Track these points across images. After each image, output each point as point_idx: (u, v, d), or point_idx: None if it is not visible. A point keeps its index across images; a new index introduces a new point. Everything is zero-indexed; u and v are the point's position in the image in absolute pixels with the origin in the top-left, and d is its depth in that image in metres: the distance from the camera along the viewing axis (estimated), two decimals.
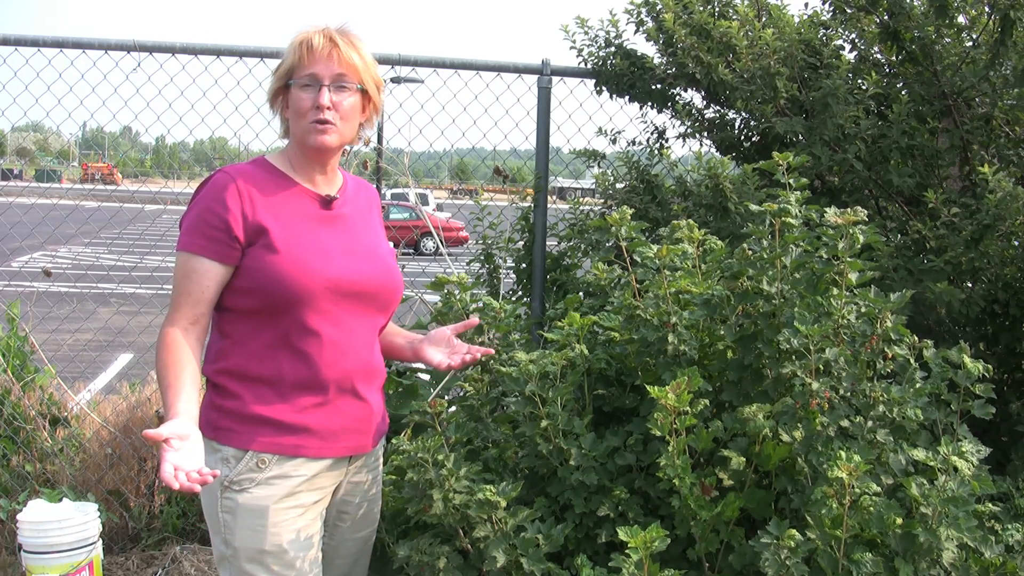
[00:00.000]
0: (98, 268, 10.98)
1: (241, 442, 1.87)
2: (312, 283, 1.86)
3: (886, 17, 3.37)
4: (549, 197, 3.88)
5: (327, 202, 1.98)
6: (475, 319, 2.28)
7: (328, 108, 1.91)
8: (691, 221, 2.61)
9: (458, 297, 2.66)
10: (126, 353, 7.46)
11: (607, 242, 3.49)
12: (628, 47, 3.78)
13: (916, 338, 2.34)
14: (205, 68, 3.71)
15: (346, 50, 1.94)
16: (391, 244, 2.18)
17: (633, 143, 3.95)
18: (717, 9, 3.62)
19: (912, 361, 2.32)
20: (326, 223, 1.96)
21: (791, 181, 2.36)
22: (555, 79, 3.79)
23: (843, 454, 2.01)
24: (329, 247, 1.93)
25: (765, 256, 2.27)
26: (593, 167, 3.97)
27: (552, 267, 3.76)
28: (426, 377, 3.12)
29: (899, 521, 2.05)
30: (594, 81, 3.83)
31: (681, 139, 3.79)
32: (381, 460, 2.16)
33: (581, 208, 3.88)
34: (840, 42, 3.61)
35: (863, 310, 2.26)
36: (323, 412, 1.92)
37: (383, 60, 3.70)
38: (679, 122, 3.76)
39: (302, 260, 1.87)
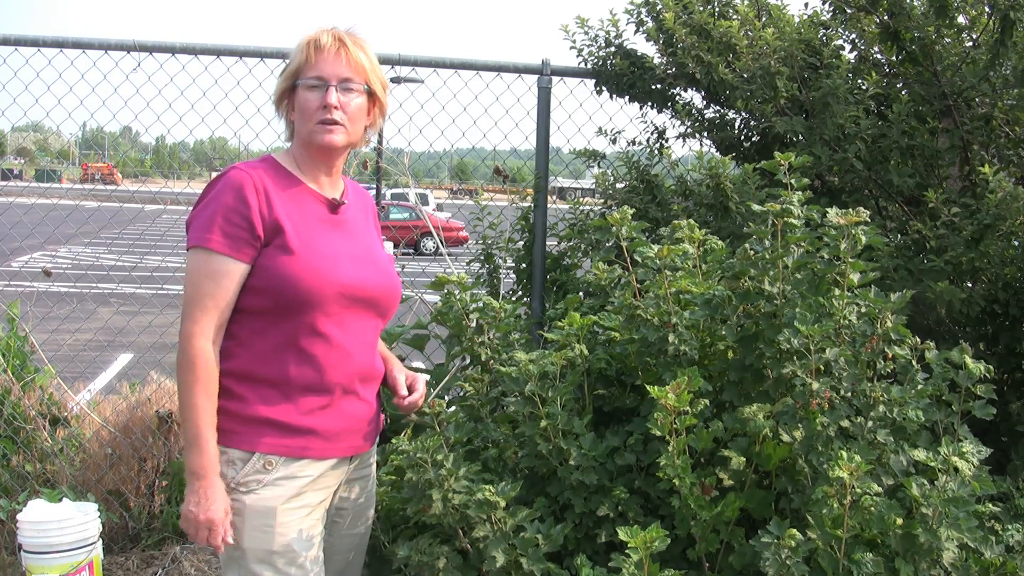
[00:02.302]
0: (98, 268, 10.98)
1: (247, 444, 1.87)
2: (324, 287, 1.86)
3: (886, 17, 3.37)
4: (549, 197, 3.88)
5: (334, 206, 1.98)
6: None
7: (336, 108, 1.91)
8: (691, 221, 2.61)
9: (458, 297, 2.66)
10: (126, 353, 7.46)
11: (607, 242, 3.49)
12: (628, 47, 3.78)
13: (918, 339, 2.34)
14: (205, 68, 3.71)
15: (354, 51, 1.94)
16: (392, 246, 2.18)
17: (633, 143, 3.95)
18: (717, 9, 3.62)
19: (913, 362, 2.32)
20: (334, 227, 1.96)
21: (792, 181, 2.36)
22: (555, 79, 3.78)
23: (844, 454, 2.01)
24: (339, 251, 1.93)
25: (767, 256, 2.27)
26: (593, 167, 3.97)
27: (552, 267, 3.76)
28: (425, 377, 3.12)
29: (899, 521, 2.05)
30: (594, 81, 3.82)
31: (681, 139, 3.79)
32: (375, 458, 2.17)
33: (581, 208, 3.88)
34: (840, 42, 3.61)
35: (864, 310, 2.26)
36: (327, 414, 1.92)
37: (383, 60, 3.68)
38: (679, 122, 3.76)
39: (316, 264, 1.87)
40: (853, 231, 2.21)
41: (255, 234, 1.85)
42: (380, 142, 4.37)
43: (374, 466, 2.17)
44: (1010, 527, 2.32)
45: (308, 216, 1.93)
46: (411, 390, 2.12)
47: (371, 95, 1.99)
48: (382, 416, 2.15)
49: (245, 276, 1.86)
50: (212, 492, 1.83)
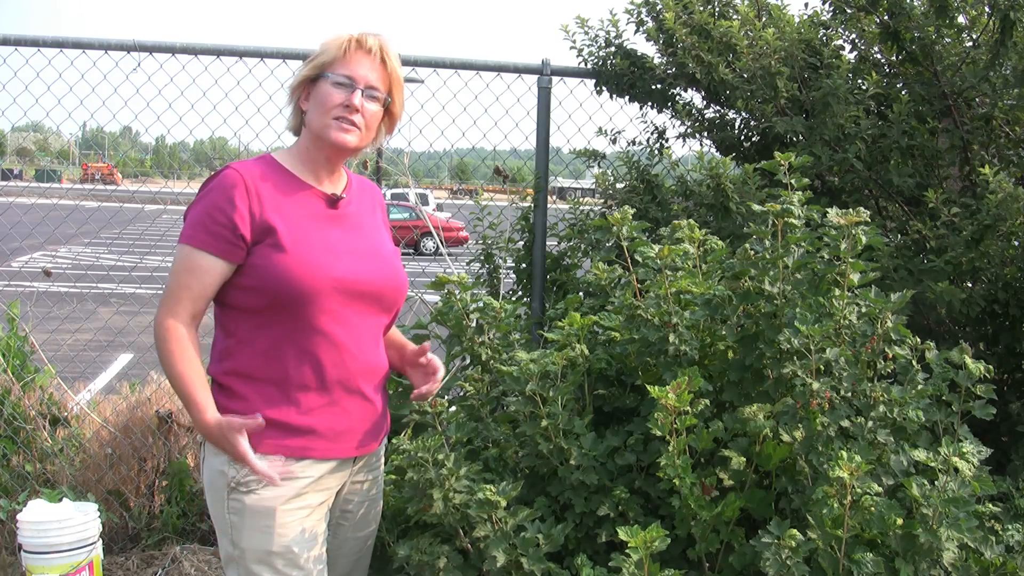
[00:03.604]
0: (98, 268, 10.98)
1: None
2: (319, 282, 1.86)
3: (886, 17, 3.37)
4: (549, 197, 3.88)
5: (333, 201, 1.98)
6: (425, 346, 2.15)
7: (357, 111, 1.92)
8: (692, 221, 2.62)
9: (458, 297, 2.66)
10: (126, 353, 7.45)
11: (607, 242, 3.49)
12: (628, 47, 3.78)
13: (918, 339, 2.34)
14: (205, 68, 3.71)
15: (391, 63, 1.97)
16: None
17: (633, 143, 3.95)
18: (717, 9, 3.62)
19: (913, 362, 2.32)
20: (332, 222, 1.96)
21: (792, 181, 2.36)
22: (555, 79, 3.78)
23: (844, 454, 2.01)
24: (336, 246, 1.93)
25: (767, 256, 2.27)
26: (593, 167, 3.97)
27: (552, 267, 3.76)
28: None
29: (900, 521, 2.05)
30: (594, 81, 3.82)
31: (681, 139, 3.79)
32: (383, 459, 2.16)
33: (581, 208, 3.88)
34: (840, 42, 3.61)
35: (864, 310, 2.26)
36: (329, 413, 1.92)
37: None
38: (679, 122, 3.76)
39: (309, 259, 1.87)
40: (853, 231, 2.21)
41: (238, 234, 1.85)
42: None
43: (381, 468, 2.16)
44: (1010, 527, 2.32)
45: (304, 213, 1.93)
46: (430, 369, 2.09)
47: (387, 110, 2.01)
48: (388, 415, 2.14)
49: (227, 273, 1.87)
50: (230, 437, 1.83)
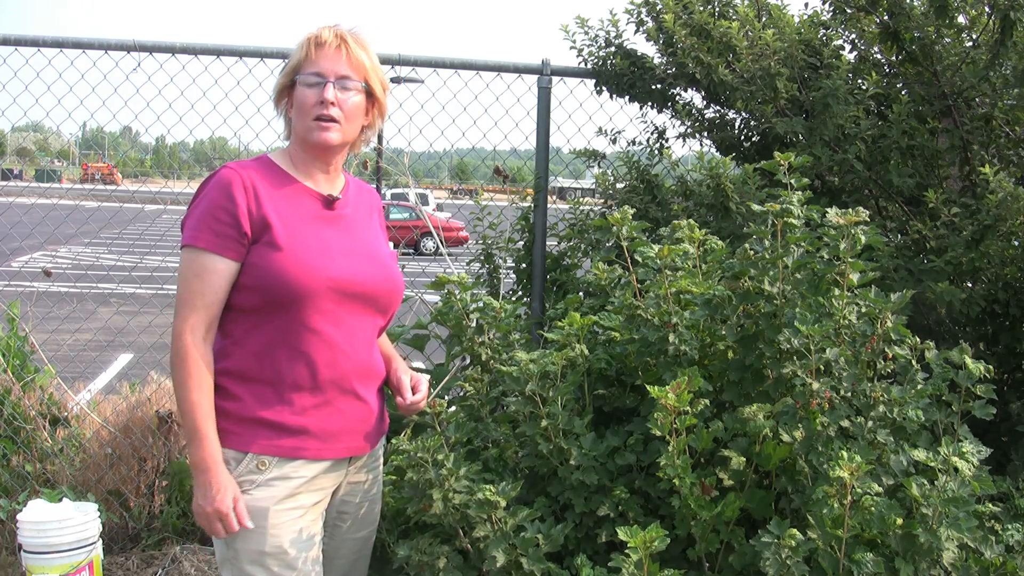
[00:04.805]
0: (98, 268, 10.99)
1: (241, 444, 1.87)
2: (314, 282, 1.86)
3: (886, 17, 3.37)
4: (549, 197, 3.88)
5: (329, 202, 1.98)
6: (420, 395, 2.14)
7: (332, 104, 1.91)
8: (692, 221, 2.62)
9: (458, 297, 2.66)
10: (126, 353, 7.46)
11: (607, 242, 3.49)
12: (628, 47, 3.78)
13: (918, 339, 2.34)
14: (205, 68, 3.71)
15: (355, 49, 1.95)
16: (392, 245, 2.17)
17: (633, 143, 3.95)
18: (717, 9, 3.62)
19: (913, 362, 2.32)
20: (328, 223, 1.96)
21: (792, 181, 2.36)
22: (555, 79, 3.79)
23: (844, 454, 2.01)
24: (331, 247, 1.92)
25: (767, 256, 2.27)
26: (593, 167, 3.97)
27: (552, 267, 3.77)
28: (427, 378, 3.13)
29: (899, 521, 2.05)
30: (594, 81, 3.83)
31: (681, 139, 3.79)
32: (381, 460, 2.16)
33: (581, 208, 3.88)
34: (840, 42, 3.61)
35: (864, 310, 2.26)
36: (322, 413, 1.92)
37: (383, 60, 3.67)
38: (679, 122, 3.76)
39: (305, 259, 1.87)
40: (853, 231, 2.22)
41: (242, 231, 1.85)
42: (380, 142, 4.38)
43: (380, 469, 2.15)
44: (1010, 527, 2.33)
45: (300, 213, 1.92)
46: (414, 391, 2.11)
47: (370, 95, 1.99)
48: (387, 417, 2.14)
49: (235, 274, 1.87)
50: (217, 482, 1.82)
